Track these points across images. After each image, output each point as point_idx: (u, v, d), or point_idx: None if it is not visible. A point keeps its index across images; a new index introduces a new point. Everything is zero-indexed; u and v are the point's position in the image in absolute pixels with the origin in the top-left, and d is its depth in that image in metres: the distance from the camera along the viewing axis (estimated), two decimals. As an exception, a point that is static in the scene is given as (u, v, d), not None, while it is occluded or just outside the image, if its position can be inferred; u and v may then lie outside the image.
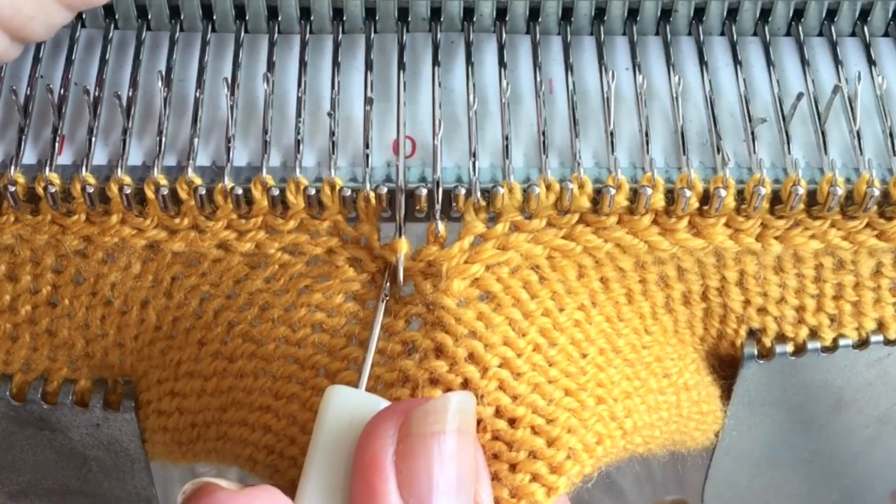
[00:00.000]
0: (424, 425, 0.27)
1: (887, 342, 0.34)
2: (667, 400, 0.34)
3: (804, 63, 0.32)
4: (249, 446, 0.32)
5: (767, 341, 0.34)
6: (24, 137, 0.29)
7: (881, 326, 0.34)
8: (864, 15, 0.33)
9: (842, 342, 0.34)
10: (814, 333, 0.34)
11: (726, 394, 0.36)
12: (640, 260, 0.31)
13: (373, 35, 0.32)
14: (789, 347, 0.34)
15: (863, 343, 0.34)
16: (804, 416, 0.37)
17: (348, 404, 0.28)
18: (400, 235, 0.29)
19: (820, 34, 0.33)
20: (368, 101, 0.30)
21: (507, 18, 0.32)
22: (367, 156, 0.29)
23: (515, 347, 0.30)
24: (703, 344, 0.35)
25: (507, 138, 0.30)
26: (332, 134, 0.30)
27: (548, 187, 0.29)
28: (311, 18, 0.32)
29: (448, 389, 0.29)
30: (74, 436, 0.34)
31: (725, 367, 0.36)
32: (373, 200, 0.29)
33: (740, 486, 0.41)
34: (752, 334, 0.34)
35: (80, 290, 0.31)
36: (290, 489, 0.28)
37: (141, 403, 0.34)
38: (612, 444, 0.32)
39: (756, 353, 0.34)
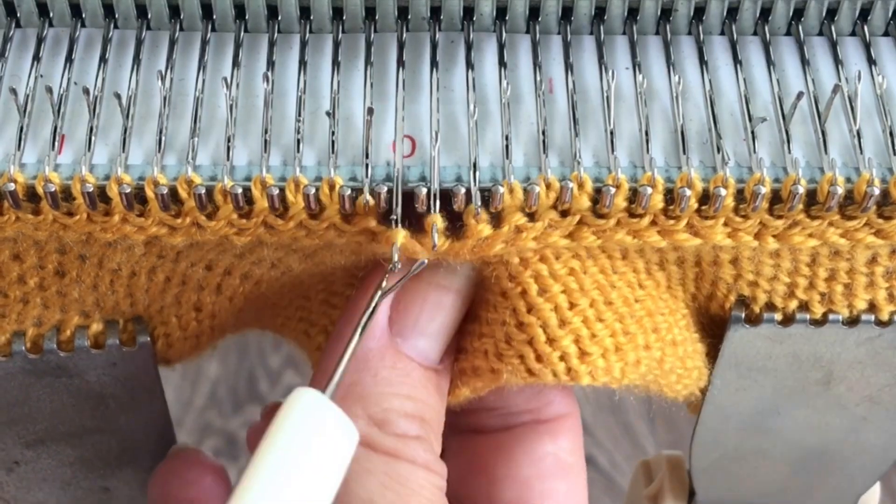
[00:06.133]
0: (434, 275, 0.32)
1: (878, 323, 0.34)
2: (651, 355, 0.34)
3: (804, 62, 0.32)
4: (282, 317, 0.36)
5: (756, 308, 0.34)
6: (23, 137, 0.29)
7: (873, 307, 0.34)
8: (864, 14, 0.33)
9: (831, 317, 0.34)
10: (803, 306, 0.34)
11: (714, 353, 0.36)
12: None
13: (373, 34, 0.32)
14: (778, 316, 0.34)
15: (853, 321, 0.34)
16: (793, 386, 0.37)
17: (313, 415, 0.26)
18: (396, 226, 0.29)
19: (820, 33, 0.33)
20: (369, 112, 0.30)
21: (506, 18, 0.32)
22: (367, 165, 0.29)
23: (504, 286, 0.31)
24: (694, 302, 0.35)
25: (507, 138, 0.30)
26: (332, 133, 0.30)
27: (548, 186, 0.29)
28: (311, 18, 0.32)
29: None
30: (91, 378, 0.35)
31: (715, 328, 0.36)
32: (371, 201, 0.29)
33: (728, 447, 0.41)
34: (742, 300, 0.34)
35: (87, 266, 0.32)
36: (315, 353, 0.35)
37: (157, 337, 0.35)
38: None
39: (744, 317, 0.34)
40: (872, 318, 0.34)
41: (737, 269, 0.33)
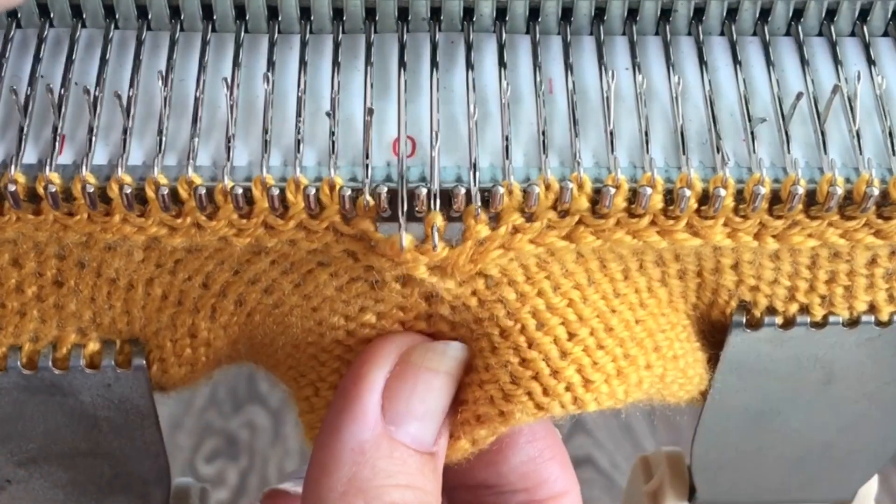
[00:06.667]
0: (423, 360, 0.32)
1: (878, 323, 0.34)
2: (652, 373, 0.34)
3: (804, 63, 0.32)
4: (273, 358, 0.37)
5: (757, 313, 0.34)
6: (24, 137, 0.29)
7: (873, 309, 0.34)
8: (864, 14, 0.33)
9: (832, 319, 0.34)
10: (804, 309, 0.34)
11: (715, 360, 0.36)
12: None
13: (373, 35, 0.32)
14: (778, 320, 0.34)
15: (853, 322, 0.34)
16: (794, 387, 0.37)
17: None
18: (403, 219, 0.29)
19: (819, 34, 0.33)
20: (369, 112, 0.30)
21: (506, 18, 0.32)
22: (367, 166, 0.29)
23: (503, 325, 0.31)
24: (695, 311, 0.35)
25: (507, 139, 0.30)
26: (332, 134, 0.30)
27: (547, 187, 0.29)
28: (311, 18, 0.32)
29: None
30: (85, 398, 0.35)
31: (716, 333, 0.36)
32: (372, 202, 0.29)
33: (729, 447, 0.41)
34: (743, 305, 0.34)
35: (85, 273, 0.32)
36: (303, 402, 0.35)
37: (152, 361, 0.35)
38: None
39: (745, 321, 0.34)
40: (872, 318, 0.34)
41: (738, 275, 0.33)
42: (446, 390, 0.32)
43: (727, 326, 0.35)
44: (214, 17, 0.32)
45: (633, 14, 0.32)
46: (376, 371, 0.32)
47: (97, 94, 0.30)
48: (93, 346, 0.34)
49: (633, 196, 0.29)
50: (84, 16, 0.32)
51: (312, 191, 0.29)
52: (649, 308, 0.34)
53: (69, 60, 0.31)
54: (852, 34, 0.33)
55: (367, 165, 0.29)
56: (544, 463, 0.35)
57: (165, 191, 0.28)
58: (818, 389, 0.37)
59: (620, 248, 0.31)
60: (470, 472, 0.34)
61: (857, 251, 0.32)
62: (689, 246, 0.30)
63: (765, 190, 0.29)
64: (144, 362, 0.34)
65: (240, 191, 0.29)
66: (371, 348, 0.32)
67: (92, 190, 0.28)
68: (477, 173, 0.29)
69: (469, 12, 0.32)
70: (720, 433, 0.40)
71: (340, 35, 0.32)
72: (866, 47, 0.32)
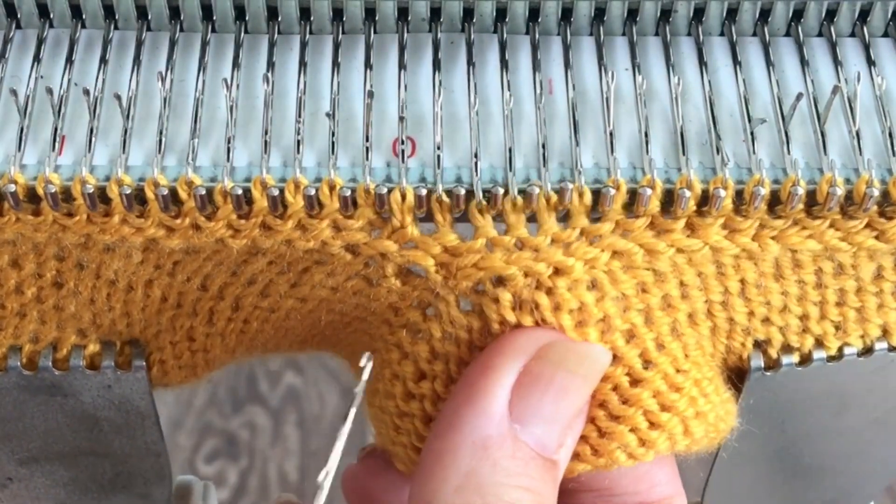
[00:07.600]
0: (562, 359, 0.30)
1: (891, 349, 0.34)
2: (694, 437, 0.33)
3: (804, 63, 0.32)
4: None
5: (773, 352, 0.34)
6: (23, 137, 0.29)
7: (886, 333, 0.34)
8: (864, 15, 0.33)
9: (847, 350, 0.34)
10: (819, 343, 0.34)
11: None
12: (641, 282, 0.31)
13: (372, 35, 0.32)
14: (795, 358, 0.34)
15: (867, 351, 0.34)
16: (807, 425, 0.37)
17: None
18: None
19: (819, 34, 0.33)
20: (369, 94, 0.30)
21: (506, 19, 0.32)
22: (367, 149, 0.29)
23: None
24: (713, 360, 0.34)
25: (510, 151, 0.30)
26: (332, 134, 0.30)
27: (547, 200, 0.29)
28: (311, 19, 0.32)
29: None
30: (86, 399, 0.35)
31: (735, 379, 0.35)
32: (373, 191, 0.29)
33: (741, 491, 0.41)
34: (759, 346, 0.34)
35: (84, 275, 0.32)
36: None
37: (152, 363, 0.35)
38: None
39: (763, 364, 0.34)
40: (885, 345, 0.34)
41: (747, 305, 0.33)
42: (580, 396, 0.30)
43: (745, 371, 0.34)
44: (214, 18, 0.32)
45: (632, 14, 0.32)
46: (509, 363, 0.30)
47: (97, 94, 0.30)
48: (93, 347, 0.34)
49: (633, 197, 0.29)
50: (84, 16, 0.32)
51: (312, 191, 0.29)
52: (660, 365, 0.32)
53: (69, 61, 0.31)
54: (852, 35, 0.33)
55: (367, 149, 0.29)
56: (655, 465, 0.34)
57: (165, 191, 0.28)
58: (830, 421, 0.37)
59: (623, 278, 0.31)
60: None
61: (860, 261, 0.32)
62: (688, 245, 0.30)
63: (764, 191, 0.29)
64: (144, 364, 0.34)
65: (239, 191, 0.29)
66: (506, 339, 0.30)
67: (91, 190, 0.28)
68: (479, 170, 0.29)
69: (469, 13, 0.32)
70: (733, 478, 0.40)
71: (340, 36, 0.32)
72: (866, 48, 0.32)
